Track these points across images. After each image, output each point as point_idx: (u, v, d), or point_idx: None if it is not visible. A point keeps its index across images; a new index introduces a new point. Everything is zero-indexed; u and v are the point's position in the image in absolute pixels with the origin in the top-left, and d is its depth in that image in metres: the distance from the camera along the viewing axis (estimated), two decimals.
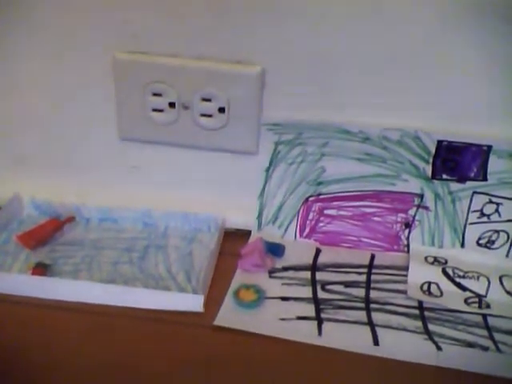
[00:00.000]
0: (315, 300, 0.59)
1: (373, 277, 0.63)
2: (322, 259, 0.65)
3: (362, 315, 0.57)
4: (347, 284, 0.61)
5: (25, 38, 0.63)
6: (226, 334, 0.53)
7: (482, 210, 0.64)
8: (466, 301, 0.59)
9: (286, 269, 0.63)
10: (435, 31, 0.57)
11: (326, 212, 0.67)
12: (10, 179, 0.71)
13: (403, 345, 0.53)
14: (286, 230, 0.68)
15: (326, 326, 0.55)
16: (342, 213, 0.67)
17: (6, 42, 0.63)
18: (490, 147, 0.61)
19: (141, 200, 0.70)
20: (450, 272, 0.63)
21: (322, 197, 0.67)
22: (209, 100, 0.63)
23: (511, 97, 0.60)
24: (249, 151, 0.66)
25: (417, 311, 0.58)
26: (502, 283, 0.62)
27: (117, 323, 0.54)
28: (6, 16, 0.62)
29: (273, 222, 0.68)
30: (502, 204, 0.63)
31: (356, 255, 0.66)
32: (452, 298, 0.60)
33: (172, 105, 0.64)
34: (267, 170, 0.66)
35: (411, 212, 0.66)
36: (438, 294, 0.60)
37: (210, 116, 0.64)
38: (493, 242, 0.65)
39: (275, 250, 0.65)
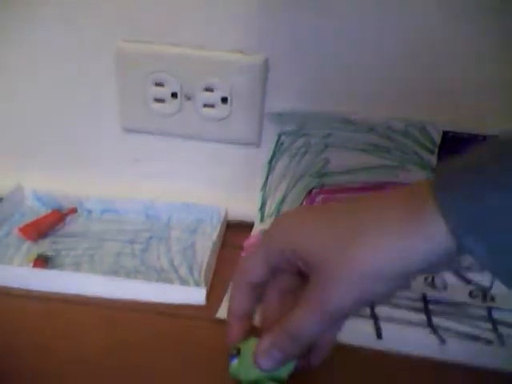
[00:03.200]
0: None
1: None
2: None
3: (364, 308, 0.56)
4: None
5: (25, 25, 0.62)
6: None
7: None
8: (470, 293, 0.59)
9: None
10: (439, 21, 0.56)
11: None
12: (12, 171, 0.70)
13: (407, 338, 0.52)
14: None
15: None
16: None
17: (7, 29, 0.63)
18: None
19: (143, 191, 0.69)
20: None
21: (325, 188, 0.66)
22: (211, 90, 0.62)
23: None
24: (251, 142, 0.66)
25: (421, 304, 0.57)
26: None
27: (118, 316, 0.53)
28: (6, 7, 0.61)
29: (276, 214, 0.68)
30: None
31: None
32: (456, 290, 0.59)
33: (174, 95, 0.63)
34: (270, 161, 0.66)
35: None
36: (442, 286, 0.60)
37: (212, 106, 0.63)
38: None
39: None
